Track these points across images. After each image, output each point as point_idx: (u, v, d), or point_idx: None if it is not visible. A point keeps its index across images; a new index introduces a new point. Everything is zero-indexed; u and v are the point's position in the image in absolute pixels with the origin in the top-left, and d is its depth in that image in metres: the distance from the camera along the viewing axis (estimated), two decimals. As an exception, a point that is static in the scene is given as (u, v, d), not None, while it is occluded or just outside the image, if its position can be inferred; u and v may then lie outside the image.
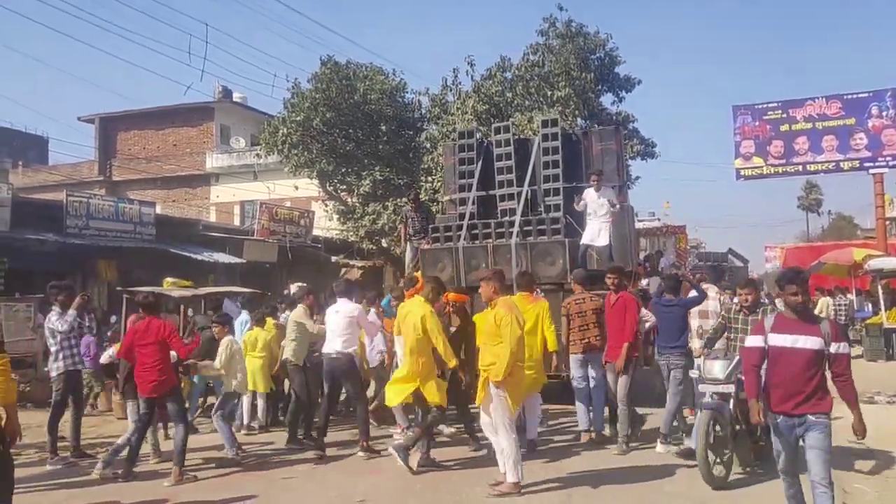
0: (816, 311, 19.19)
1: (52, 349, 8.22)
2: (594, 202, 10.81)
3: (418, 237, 13.15)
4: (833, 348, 4.65)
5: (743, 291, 7.36)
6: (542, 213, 11.55)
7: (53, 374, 8.20)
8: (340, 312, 8.28)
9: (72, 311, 8.24)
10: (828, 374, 4.81)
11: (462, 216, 11.81)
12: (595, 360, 8.27)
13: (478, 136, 13.34)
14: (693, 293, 8.52)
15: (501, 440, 6.27)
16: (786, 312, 4.91)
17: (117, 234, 16.74)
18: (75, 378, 8.40)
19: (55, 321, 8.15)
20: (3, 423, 4.97)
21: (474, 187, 12.06)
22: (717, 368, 6.76)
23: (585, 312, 8.39)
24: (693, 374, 7.49)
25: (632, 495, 6.32)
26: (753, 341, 5.01)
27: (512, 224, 11.16)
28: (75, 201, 15.97)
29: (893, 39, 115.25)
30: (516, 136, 12.87)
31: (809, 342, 4.68)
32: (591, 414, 8.47)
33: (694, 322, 8.83)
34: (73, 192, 16.81)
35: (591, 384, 8.33)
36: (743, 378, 5.53)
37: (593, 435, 8.37)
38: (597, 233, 10.74)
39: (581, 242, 10.84)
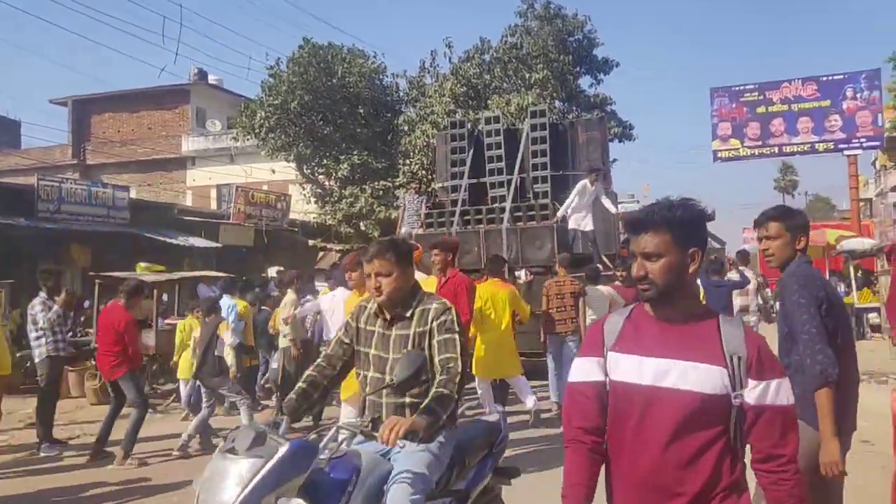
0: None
1: (32, 335, 8.08)
2: (583, 192, 11.09)
3: (412, 222, 13.49)
4: (750, 392, 2.03)
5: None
6: (531, 199, 12.17)
7: (37, 359, 8.08)
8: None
9: (57, 308, 8.09)
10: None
11: (454, 202, 12.29)
12: (571, 339, 8.59)
13: (463, 121, 13.79)
14: (734, 276, 10.11)
15: None
16: (647, 306, 2.21)
17: (90, 219, 16.53)
18: (58, 363, 8.29)
19: (39, 312, 7.99)
20: None
21: (466, 175, 12.58)
22: (230, 480, 2.63)
23: (564, 294, 8.76)
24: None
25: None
26: (581, 371, 2.24)
27: (503, 210, 11.66)
28: (46, 185, 15.74)
29: (869, 22, 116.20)
30: (505, 127, 13.36)
31: (692, 377, 2.04)
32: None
33: (736, 301, 10.22)
34: (44, 176, 16.57)
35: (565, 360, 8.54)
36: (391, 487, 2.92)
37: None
38: (582, 218, 11.11)
39: (569, 227, 11.28)
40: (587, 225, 11.14)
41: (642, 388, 2.09)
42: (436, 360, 3.16)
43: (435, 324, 3.21)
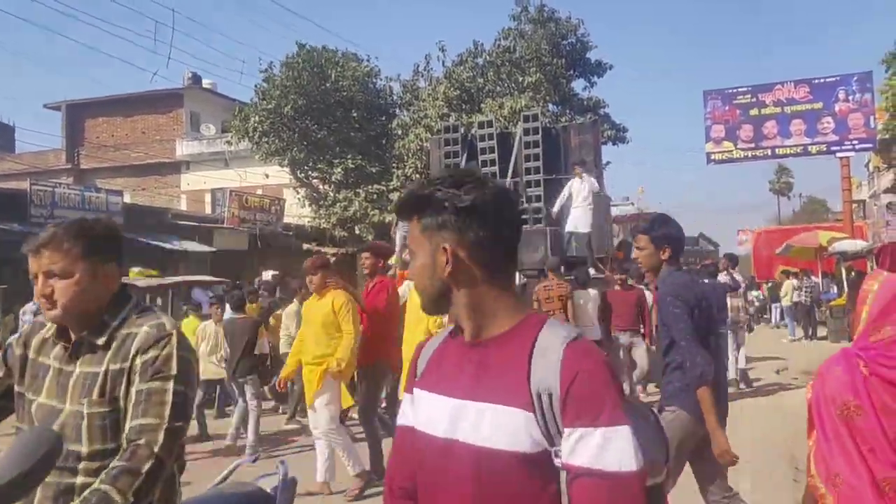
0: (781, 294, 19.56)
1: None
2: (577, 191, 11.23)
3: (404, 225, 13.54)
4: (563, 444, 1.29)
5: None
6: (524, 203, 12.14)
7: None
8: None
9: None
10: None
11: None
12: None
13: (457, 125, 13.86)
14: (724, 278, 10.41)
15: (320, 442, 5.73)
16: (461, 322, 1.48)
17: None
18: None
19: (29, 322, 7.89)
20: None
21: None
22: None
23: (552, 298, 8.83)
24: None
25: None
26: (400, 410, 1.61)
27: None
28: (39, 190, 15.74)
29: (861, 24, 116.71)
30: (499, 131, 13.41)
31: (488, 426, 1.34)
32: None
33: (730, 302, 10.38)
34: (37, 181, 16.58)
35: None
36: None
37: None
38: (579, 220, 11.20)
39: (566, 230, 11.39)
40: (583, 227, 11.23)
41: (436, 442, 1.42)
42: (126, 424, 1.89)
43: (139, 360, 1.93)
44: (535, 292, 9.09)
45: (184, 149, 31.43)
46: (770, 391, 10.16)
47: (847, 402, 2.02)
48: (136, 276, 12.57)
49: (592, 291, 9.25)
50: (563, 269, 9.65)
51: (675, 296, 3.46)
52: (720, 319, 10.57)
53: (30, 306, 8.03)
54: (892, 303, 2.14)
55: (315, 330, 5.73)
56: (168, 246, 17.68)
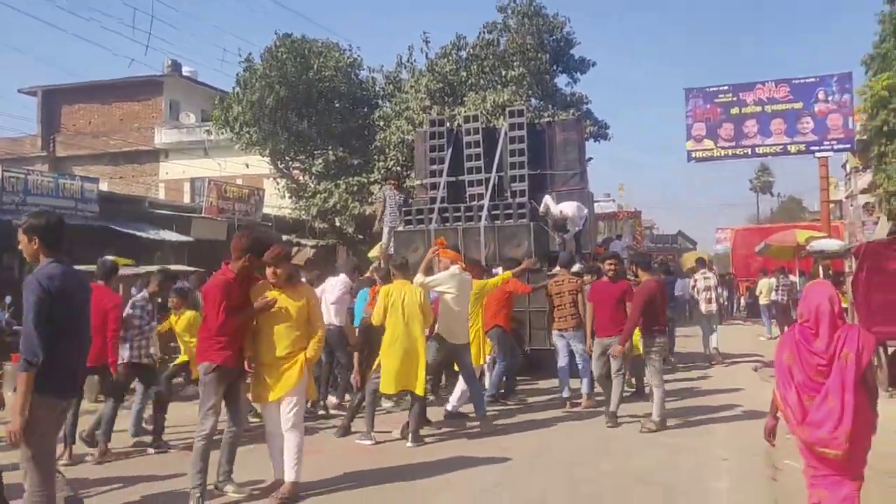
0: (757, 293, 19.77)
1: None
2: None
3: (393, 218, 13.30)
4: None
5: None
6: (508, 198, 12.26)
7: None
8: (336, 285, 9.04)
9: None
10: None
11: (433, 200, 12.32)
12: (572, 336, 9.01)
13: (442, 120, 13.85)
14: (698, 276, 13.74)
15: (293, 435, 5.64)
16: None
17: (57, 211, 16.24)
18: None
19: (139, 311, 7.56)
20: None
21: (444, 173, 12.61)
22: None
23: (563, 293, 9.12)
24: None
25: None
26: None
27: (481, 208, 11.71)
28: (11, 177, 15.46)
29: (834, 27, 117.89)
30: (484, 125, 13.35)
31: None
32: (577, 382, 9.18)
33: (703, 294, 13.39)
34: (9, 168, 16.28)
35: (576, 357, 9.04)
36: None
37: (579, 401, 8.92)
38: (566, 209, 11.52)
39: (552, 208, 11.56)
40: (569, 212, 11.49)
41: None
42: None
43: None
44: (548, 287, 9.36)
45: (163, 137, 31.07)
46: (746, 390, 10.18)
47: (789, 354, 3.69)
48: (111, 265, 12.34)
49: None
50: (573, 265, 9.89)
51: (38, 283, 3.77)
52: (668, 307, 11.21)
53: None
54: (805, 300, 3.78)
55: (289, 324, 5.68)
56: (144, 235, 17.45)
